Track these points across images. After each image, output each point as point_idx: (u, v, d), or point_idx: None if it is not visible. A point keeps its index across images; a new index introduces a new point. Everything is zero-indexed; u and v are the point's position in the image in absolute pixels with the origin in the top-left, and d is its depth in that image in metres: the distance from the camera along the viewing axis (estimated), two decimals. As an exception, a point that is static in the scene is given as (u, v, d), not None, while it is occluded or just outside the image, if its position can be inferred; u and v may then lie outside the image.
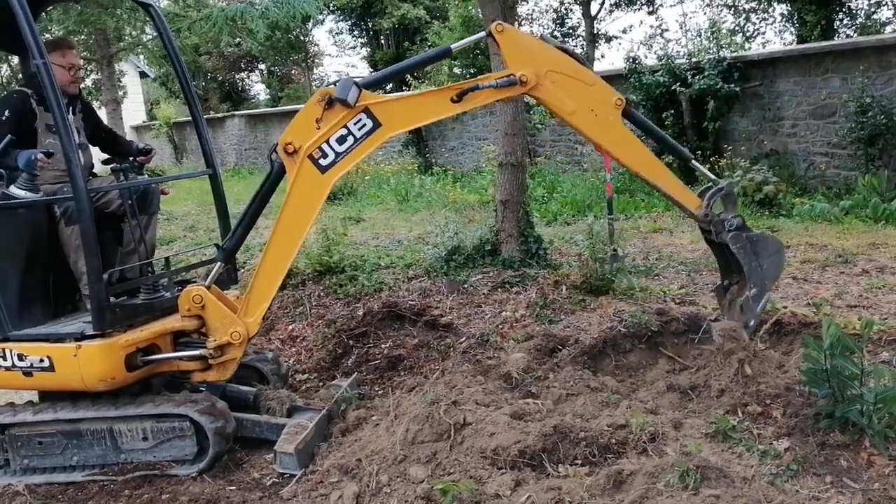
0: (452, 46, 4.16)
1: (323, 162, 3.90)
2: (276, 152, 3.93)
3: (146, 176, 4.93)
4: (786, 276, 6.39)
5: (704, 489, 2.81)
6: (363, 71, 28.60)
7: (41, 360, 3.95)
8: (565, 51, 4.02)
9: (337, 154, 3.89)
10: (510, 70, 3.93)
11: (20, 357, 3.98)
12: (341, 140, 3.88)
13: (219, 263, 4.19)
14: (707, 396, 3.78)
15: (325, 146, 3.88)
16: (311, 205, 3.94)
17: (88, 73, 19.73)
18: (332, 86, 3.86)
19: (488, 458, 3.30)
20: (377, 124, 3.91)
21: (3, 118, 4.24)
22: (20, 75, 16.21)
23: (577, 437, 3.33)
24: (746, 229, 4.12)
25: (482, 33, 4.12)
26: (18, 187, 4.03)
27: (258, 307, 4.05)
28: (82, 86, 4.86)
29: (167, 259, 4.82)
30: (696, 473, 2.85)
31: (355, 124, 3.88)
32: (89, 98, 19.93)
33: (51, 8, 10.09)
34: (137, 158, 4.73)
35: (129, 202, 4.37)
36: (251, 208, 4.09)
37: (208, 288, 4.08)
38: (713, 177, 4.26)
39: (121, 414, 4.02)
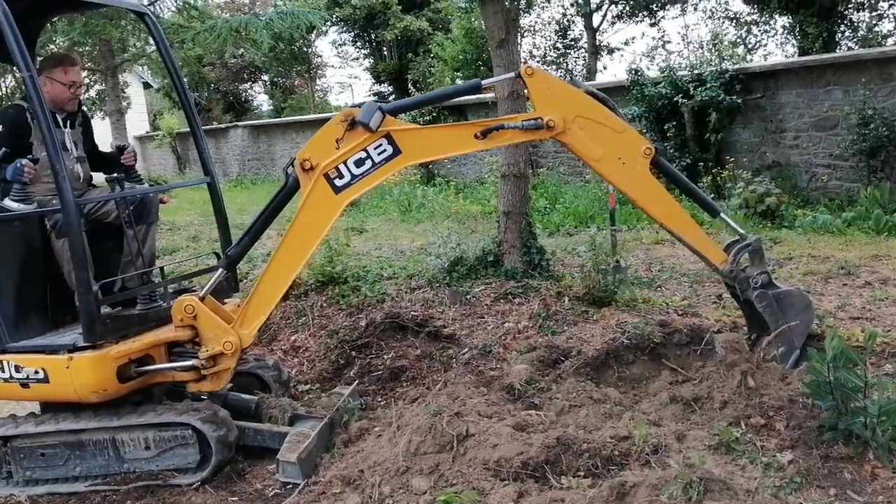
0: (484, 82, 4.12)
1: (338, 182, 3.89)
2: (293, 166, 3.93)
3: (146, 185, 4.93)
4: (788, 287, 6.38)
5: (708, 501, 2.80)
6: (366, 82, 28.64)
7: (36, 372, 3.96)
8: (595, 95, 3.96)
9: (353, 176, 3.89)
10: (538, 113, 3.88)
11: (17, 368, 3.99)
12: (359, 163, 3.88)
13: (220, 271, 4.20)
14: (710, 408, 3.77)
15: (342, 167, 3.88)
16: (320, 223, 3.94)
17: (93, 83, 19.82)
18: (357, 107, 3.87)
19: (491, 469, 3.29)
20: (397, 151, 3.89)
21: None
22: (23, 87, 16.29)
23: (580, 449, 3.32)
24: (773, 286, 4.01)
25: (511, 73, 4.13)
26: (12, 199, 4.04)
27: (255, 319, 4.04)
28: (86, 97, 4.85)
29: (162, 269, 4.82)
30: (699, 486, 2.85)
31: (375, 149, 3.88)
32: (94, 108, 20.04)
33: (56, 19, 10.15)
34: (121, 161, 4.72)
35: (127, 212, 4.37)
36: (260, 218, 4.09)
37: (202, 298, 4.08)
38: (742, 231, 4.14)
39: (123, 424, 4.02)
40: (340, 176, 3.89)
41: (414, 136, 3.96)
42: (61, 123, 4.49)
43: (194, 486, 3.93)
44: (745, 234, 4.11)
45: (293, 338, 6.29)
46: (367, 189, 3.94)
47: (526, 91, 3.99)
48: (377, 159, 3.89)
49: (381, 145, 3.88)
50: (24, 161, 4.05)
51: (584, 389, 4.16)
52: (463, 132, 3.97)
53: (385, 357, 5.39)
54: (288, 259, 3.98)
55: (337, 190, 3.90)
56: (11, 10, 3.73)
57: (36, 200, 4.19)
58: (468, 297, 6.58)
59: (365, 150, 3.87)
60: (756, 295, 3.98)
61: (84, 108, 4.90)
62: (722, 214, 4.17)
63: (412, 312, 6.03)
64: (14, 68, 15.77)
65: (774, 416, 3.53)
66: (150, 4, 11.89)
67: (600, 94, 4.01)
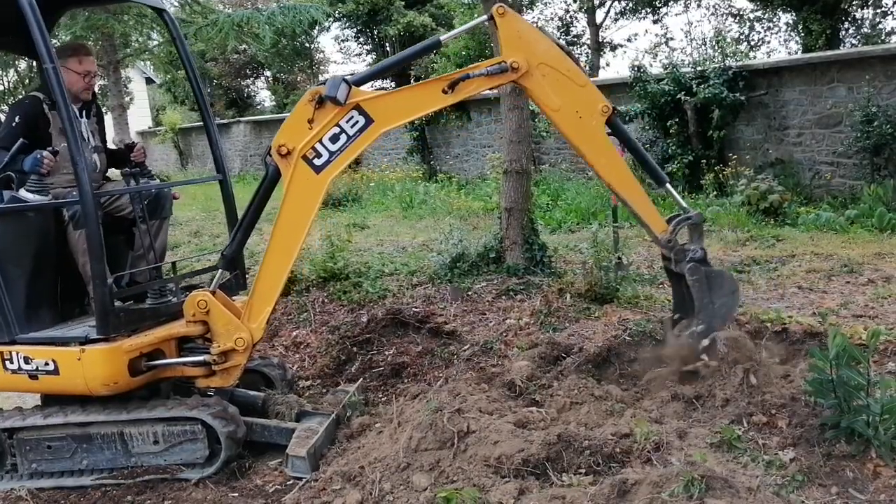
0: (442, 38, 4.15)
1: (317, 162, 3.88)
2: (270, 155, 3.92)
3: (158, 180, 4.93)
4: (791, 285, 6.38)
5: (709, 499, 2.80)
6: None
7: (46, 364, 3.96)
8: (561, 48, 3.99)
9: (331, 153, 3.88)
10: (503, 57, 3.90)
11: (26, 360, 3.99)
12: (334, 139, 3.87)
13: (219, 271, 4.20)
14: (712, 406, 3.77)
15: (318, 146, 3.86)
16: (307, 206, 3.92)
17: (98, 77, 19.80)
18: (322, 85, 3.84)
19: (492, 466, 3.29)
20: (369, 120, 3.89)
21: (14, 123, 4.27)
22: (27, 80, 16.28)
23: (581, 446, 3.32)
24: (706, 264, 4.05)
25: (482, 17, 4.11)
26: (28, 190, 4.04)
27: (261, 312, 4.04)
28: (95, 90, 4.86)
29: (173, 264, 4.83)
30: (700, 483, 2.84)
31: (347, 122, 3.87)
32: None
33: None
34: (131, 157, 4.73)
35: (141, 206, 4.38)
36: (248, 213, 4.09)
37: (213, 293, 4.08)
38: (685, 205, 4.20)
39: (132, 417, 4.03)
40: (318, 155, 3.88)
41: (384, 101, 3.94)
42: (77, 114, 4.49)
43: (197, 481, 3.93)
44: (687, 207, 4.16)
45: (294, 334, 6.29)
46: (346, 163, 3.92)
47: (496, 31, 3.99)
48: (351, 132, 3.88)
49: (352, 117, 3.87)
50: (44, 153, 4.06)
51: (585, 386, 4.15)
52: (430, 89, 3.96)
53: (386, 353, 5.39)
54: (282, 247, 3.97)
55: (317, 169, 3.89)
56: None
57: (52, 192, 4.19)
58: (470, 293, 6.58)
59: (338, 125, 3.86)
60: (689, 268, 3.99)
61: (97, 99, 4.90)
62: (668, 185, 4.21)
63: (413, 309, 6.03)
64: (17, 60, 15.80)
65: (776, 413, 3.52)
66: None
67: (567, 48, 4.04)
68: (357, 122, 3.88)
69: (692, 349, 4.06)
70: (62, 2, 5.01)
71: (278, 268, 4.00)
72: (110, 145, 5.08)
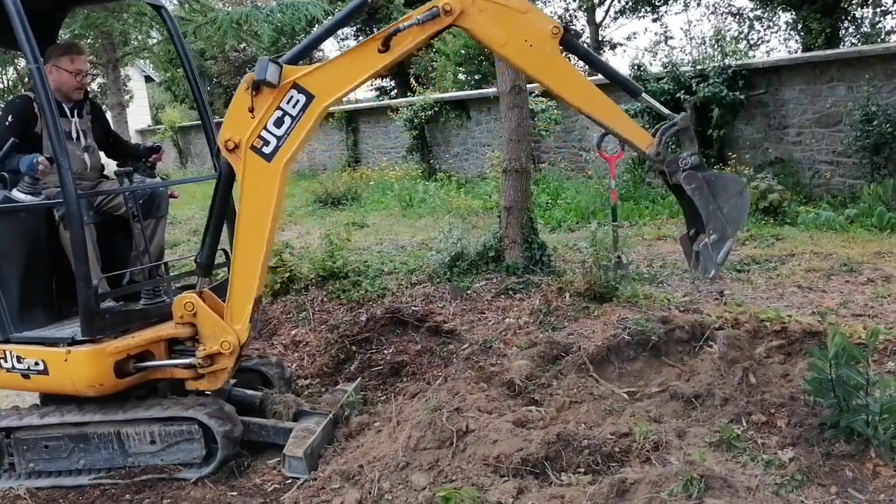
0: None
1: (266, 150, 3.72)
2: (220, 153, 3.81)
3: (157, 178, 4.93)
4: (791, 284, 6.38)
5: (708, 499, 2.80)
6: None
7: (36, 363, 3.96)
8: None
9: (278, 138, 3.71)
10: (433, 2, 3.58)
11: (19, 359, 3.99)
12: (278, 123, 3.70)
13: (199, 279, 4.15)
14: (711, 405, 3.76)
15: (264, 133, 3.71)
16: (266, 197, 3.77)
17: (95, 76, 19.78)
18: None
19: (491, 465, 3.29)
20: (310, 97, 3.70)
21: (7, 123, 4.26)
22: (25, 79, 16.26)
23: (580, 445, 3.32)
24: (703, 168, 3.71)
25: None
26: (20, 191, 4.04)
27: (242, 312, 3.96)
28: (89, 89, 4.85)
29: (165, 264, 4.81)
30: (699, 483, 2.84)
31: (288, 102, 3.69)
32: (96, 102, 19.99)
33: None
34: (150, 159, 4.74)
35: (135, 205, 4.37)
36: (212, 216, 4.01)
37: (200, 295, 4.04)
38: (667, 111, 3.84)
39: (129, 417, 4.02)
40: (266, 143, 3.72)
41: (320, 73, 3.74)
42: (68, 113, 4.48)
43: (195, 480, 3.93)
44: (671, 114, 3.84)
45: (293, 332, 6.29)
46: (297, 144, 3.74)
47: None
48: (294, 112, 3.70)
49: (291, 97, 3.70)
50: (41, 158, 4.05)
51: (584, 385, 4.15)
52: (364, 51, 3.72)
53: (385, 352, 5.38)
54: (249, 243, 3.84)
55: (268, 157, 3.73)
56: (35, 3, 3.74)
57: (45, 192, 4.18)
58: (469, 292, 6.57)
59: (279, 107, 3.69)
60: (685, 176, 3.66)
61: (91, 96, 4.89)
62: (644, 95, 3.88)
63: (413, 308, 6.03)
64: (17, 59, 15.80)
65: (776, 413, 3.52)
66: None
67: None
68: (297, 100, 3.70)
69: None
70: (65, 2, 5.00)
71: (249, 265, 3.88)
72: (134, 140, 5.06)
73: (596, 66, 3.90)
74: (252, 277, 3.90)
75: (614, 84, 3.93)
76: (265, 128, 3.70)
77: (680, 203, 3.99)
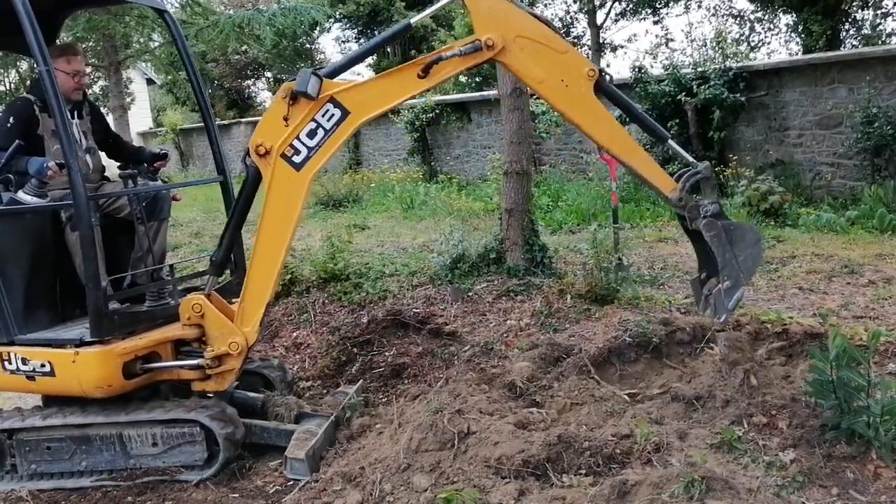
0: (412, 21, 3.97)
1: (296, 159, 3.79)
2: (249, 156, 3.85)
3: (160, 181, 4.94)
4: (792, 286, 6.37)
5: (709, 500, 2.80)
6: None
7: (42, 365, 3.96)
8: (537, 17, 3.82)
9: (309, 149, 3.78)
10: (476, 35, 3.74)
11: (24, 361, 4.00)
12: (311, 134, 3.77)
13: (210, 278, 4.17)
14: (712, 407, 3.76)
15: (296, 143, 3.77)
16: (291, 205, 3.85)
17: (96, 79, 19.80)
18: (294, 80, 3.76)
19: (492, 467, 3.29)
20: (345, 112, 3.78)
21: (9, 125, 4.27)
22: (27, 81, 16.28)
23: (582, 447, 3.32)
24: (723, 217, 3.84)
25: None
26: (26, 193, 4.05)
27: (253, 315, 4.00)
28: (89, 92, 4.86)
29: (171, 266, 4.82)
30: (701, 484, 2.84)
31: (323, 115, 3.77)
32: (97, 104, 20.03)
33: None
34: (154, 164, 4.75)
35: (139, 207, 4.38)
36: (233, 217, 4.04)
37: (208, 296, 4.07)
38: (692, 159, 3.97)
39: (131, 419, 4.03)
40: (297, 152, 3.79)
41: (358, 91, 3.82)
42: (68, 115, 4.49)
43: (197, 483, 3.93)
44: (695, 162, 3.95)
45: (295, 334, 6.29)
46: (327, 157, 3.81)
47: (466, 11, 3.82)
48: (328, 126, 3.78)
49: (327, 111, 3.77)
50: (52, 163, 4.07)
51: (585, 387, 4.15)
52: (404, 75, 3.82)
53: (387, 354, 5.39)
54: (269, 248, 3.90)
55: (297, 167, 3.80)
56: (36, 5, 3.74)
57: (50, 194, 4.20)
58: (470, 294, 6.57)
59: (314, 119, 3.76)
60: (704, 224, 3.79)
61: (89, 97, 4.90)
62: (670, 141, 3.99)
63: (414, 310, 6.03)
64: (19, 61, 15.81)
65: (777, 414, 3.52)
66: None
67: (542, 16, 3.87)
68: (333, 115, 3.78)
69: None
70: (66, 4, 5.01)
71: (267, 269, 3.93)
72: (136, 142, 5.08)
73: (626, 108, 4.02)
74: (268, 281, 3.95)
75: (643, 128, 4.08)
76: (298, 137, 3.78)
77: (695, 247, 4.15)
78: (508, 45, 3.73)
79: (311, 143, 3.78)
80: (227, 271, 4.58)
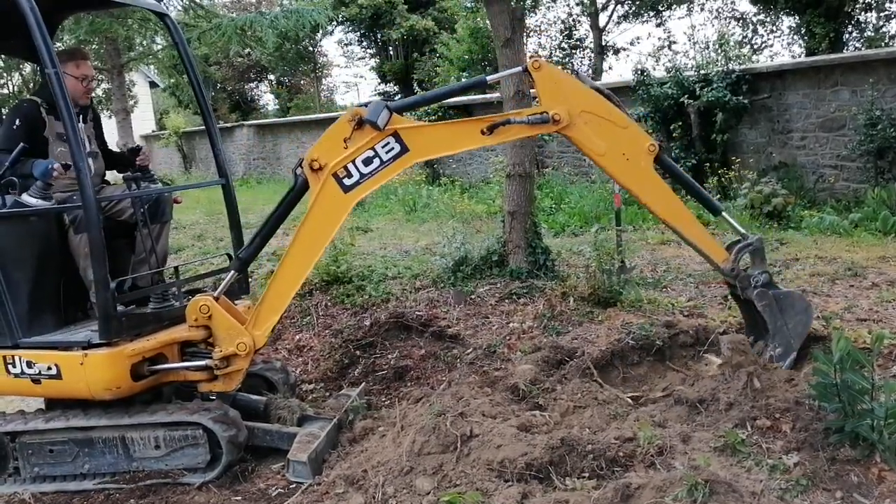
0: (488, 78, 4.19)
1: (347, 182, 3.90)
2: (302, 167, 3.93)
3: (160, 184, 4.95)
4: (795, 288, 6.36)
5: (713, 504, 2.79)
6: (371, 82, 28.77)
7: (49, 368, 3.96)
8: (600, 91, 3.98)
9: (362, 175, 3.89)
10: (544, 107, 3.90)
11: (29, 364, 4.00)
12: (367, 161, 3.88)
13: (232, 273, 4.20)
14: (715, 410, 3.75)
15: (350, 166, 3.88)
16: (330, 223, 3.94)
17: (100, 82, 19.85)
18: (363, 106, 3.88)
19: (495, 470, 3.28)
20: (405, 149, 3.90)
21: (15, 127, 4.28)
22: (31, 84, 16.31)
23: (585, 450, 3.31)
24: (773, 286, 4.05)
25: (518, 68, 4.13)
26: (31, 195, 4.05)
27: (268, 320, 4.05)
28: (93, 95, 4.87)
29: (176, 268, 4.83)
30: (704, 488, 2.83)
31: (383, 147, 3.88)
32: (100, 107, 20.15)
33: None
34: (136, 160, 4.74)
35: (142, 211, 4.38)
36: (271, 220, 4.10)
37: (216, 298, 4.08)
38: (743, 230, 4.18)
39: (133, 422, 4.03)
40: (349, 175, 3.89)
41: (421, 133, 3.96)
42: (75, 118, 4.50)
43: (199, 485, 3.93)
44: (746, 233, 4.15)
45: (298, 337, 6.30)
46: (375, 187, 3.93)
47: (533, 87, 4.02)
48: (385, 157, 3.89)
49: (388, 143, 3.88)
50: (56, 165, 4.09)
51: (588, 390, 4.15)
52: (469, 128, 3.97)
53: (389, 357, 5.38)
54: (299, 259, 3.98)
55: (346, 189, 3.90)
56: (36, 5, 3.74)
57: (54, 196, 4.20)
58: (473, 297, 6.57)
59: (373, 148, 3.87)
60: (756, 294, 4.00)
61: (93, 103, 4.91)
62: (724, 213, 4.21)
63: (417, 312, 6.03)
64: (22, 64, 15.85)
65: (780, 417, 3.51)
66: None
67: (605, 91, 4.02)
68: (393, 148, 3.89)
69: None
70: (64, 6, 5.03)
71: (292, 280, 4.01)
72: (114, 148, 5.09)
73: (684, 182, 4.27)
74: (290, 291, 4.03)
75: (698, 199, 4.33)
76: (353, 161, 3.88)
77: (743, 314, 4.41)
78: (574, 119, 3.90)
79: (365, 171, 3.89)
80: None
